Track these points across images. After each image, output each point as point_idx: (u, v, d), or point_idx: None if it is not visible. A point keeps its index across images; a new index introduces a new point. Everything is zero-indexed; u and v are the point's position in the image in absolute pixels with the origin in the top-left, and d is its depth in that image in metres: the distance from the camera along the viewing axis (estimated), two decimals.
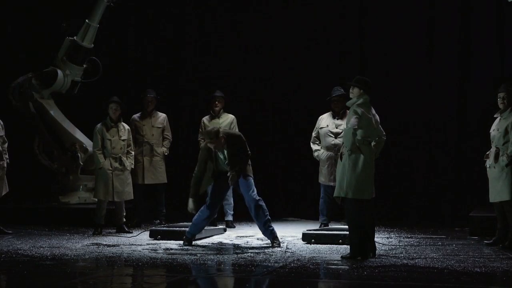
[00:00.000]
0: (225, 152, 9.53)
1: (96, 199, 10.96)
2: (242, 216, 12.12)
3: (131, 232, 10.76)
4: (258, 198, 9.55)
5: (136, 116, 11.81)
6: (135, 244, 9.73)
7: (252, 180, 9.60)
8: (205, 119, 11.51)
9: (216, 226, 10.85)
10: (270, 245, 9.48)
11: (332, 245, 9.42)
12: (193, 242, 9.73)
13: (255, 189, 9.59)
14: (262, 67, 13.31)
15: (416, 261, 8.35)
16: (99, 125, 10.86)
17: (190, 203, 9.53)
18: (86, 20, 12.10)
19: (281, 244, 9.49)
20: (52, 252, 9.03)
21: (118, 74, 13.91)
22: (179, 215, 12.05)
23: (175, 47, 13.93)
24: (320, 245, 9.47)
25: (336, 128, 10.86)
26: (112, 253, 9.05)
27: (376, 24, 12.85)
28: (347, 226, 8.83)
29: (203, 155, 9.62)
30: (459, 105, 12.55)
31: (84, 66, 12.33)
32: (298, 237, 10.08)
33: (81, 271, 8.09)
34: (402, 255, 8.78)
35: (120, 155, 10.82)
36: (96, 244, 9.76)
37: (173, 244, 9.72)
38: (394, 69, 12.69)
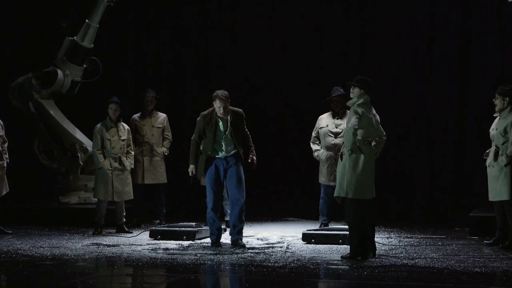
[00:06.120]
0: (228, 122, 9.47)
1: (96, 199, 10.96)
2: None
3: (131, 232, 10.75)
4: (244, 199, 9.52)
5: (136, 116, 11.80)
6: (135, 244, 9.73)
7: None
8: None
9: None
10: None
11: (332, 245, 9.41)
12: (193, 242, 9.76)
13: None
14: (262, 66, 13.29)
15: (416, 261, 8.35)
16: (98, 125, 10.86)
17: (192, 168, 9.55)
18: (86, 20, 12.09)
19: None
20: (52, 252, 9.03)
21: (118, 74, 13.89)
22: (179, 215, 12.08)
23: (175, 47, 13.91)
24: (320, 245, 9.46)
25: (336, 128, 10.84)
26: (112, 253, 9.05)
27: (376, 24, 12.84)
28: (347, 226, 8.84)
29: (200, 125, 9.56)
30: (459, 105, 12.53)
31: (84, 66, 12.32)
32: (298, 237, 10.07)
33: (81, 271, 8.09)
34: (402, 255, 8.78)
35: (119, 155, 10.81)
36: (96, 244, 9.76)
37: (173, 244, 9.71)
38: (394, 69, 12.68)
